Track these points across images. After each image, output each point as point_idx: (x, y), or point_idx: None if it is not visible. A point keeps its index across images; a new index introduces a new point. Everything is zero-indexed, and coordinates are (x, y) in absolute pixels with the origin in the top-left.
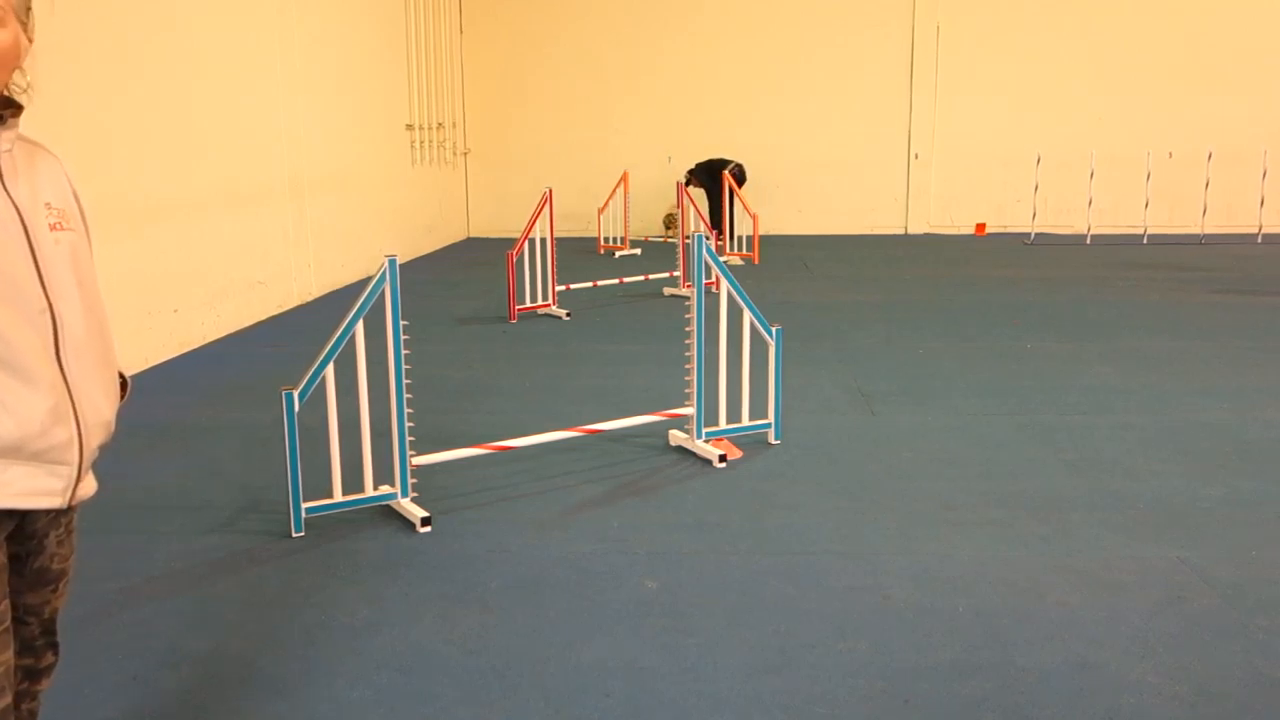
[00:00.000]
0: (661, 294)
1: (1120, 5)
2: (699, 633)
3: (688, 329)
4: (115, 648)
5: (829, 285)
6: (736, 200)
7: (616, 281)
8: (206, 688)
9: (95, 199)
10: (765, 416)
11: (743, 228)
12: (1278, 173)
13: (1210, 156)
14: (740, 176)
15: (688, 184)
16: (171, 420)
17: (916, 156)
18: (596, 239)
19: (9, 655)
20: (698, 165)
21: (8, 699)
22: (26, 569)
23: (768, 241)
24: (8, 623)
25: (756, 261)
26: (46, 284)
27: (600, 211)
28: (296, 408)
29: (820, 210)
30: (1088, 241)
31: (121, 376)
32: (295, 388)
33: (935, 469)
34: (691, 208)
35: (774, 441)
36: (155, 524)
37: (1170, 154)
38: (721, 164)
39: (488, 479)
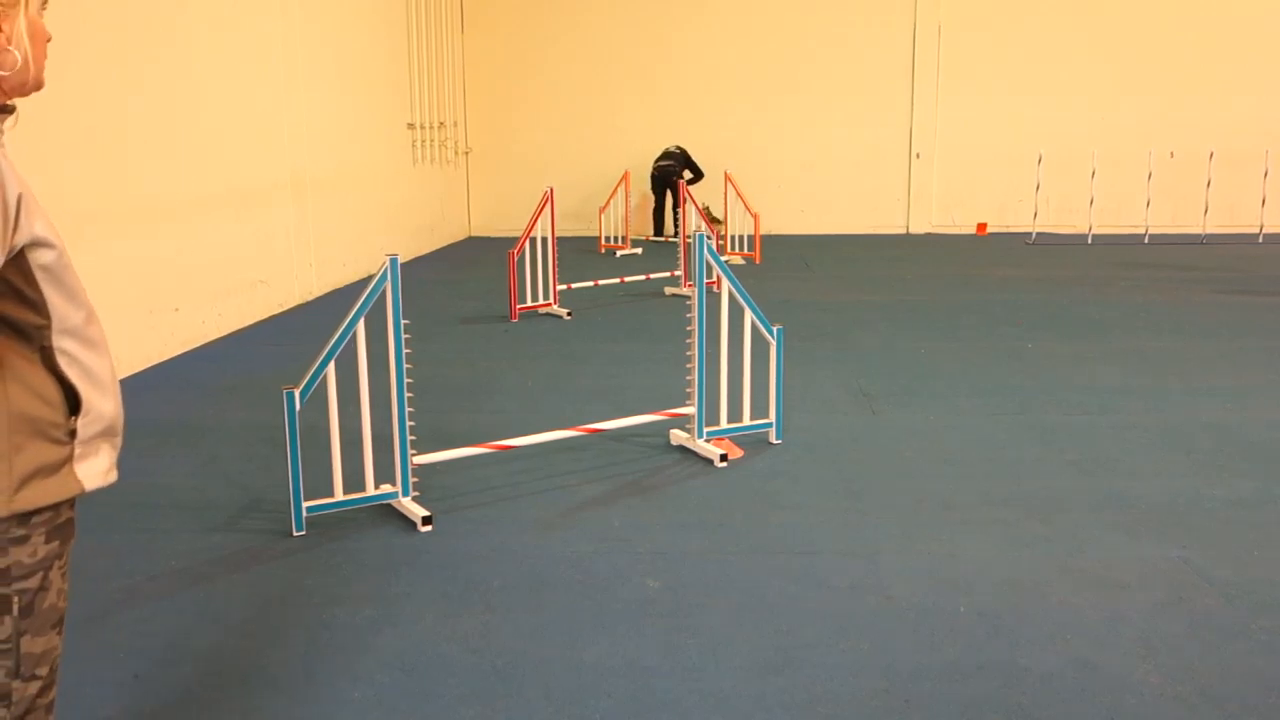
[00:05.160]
0: (663, 293)
1: (1122, 5)
2: (701, 632)
3: (689, 328)
4: (117, 646)
5: (830, 285)
6: (738, 199)
7: (618, 281)
8: (208, 686)
9: (97, 198)
10: (766, 416)
11: (744, 227)
12: (1279, 173)
13: (1212, 156)
14: (664, 179)
15: (663, 181)
16: (173, 419)
17: (918, 156)
18: (598, 238)
19: (60, 645)
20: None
21: (54, 693)
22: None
23: (769, 241)
24: (64, 611)
25: (758, 261)
26: None
27: (601, 211)
28: (298, 407)
29: (822, 210)
30: (1089, 241)
31: None
32: (296, 387)
33: (937, 469)
34: (693, 207)
35: (775, 441)
36: (156, 523)
37: (1172, 154)
38: (665, 159)
39: (489, 478)
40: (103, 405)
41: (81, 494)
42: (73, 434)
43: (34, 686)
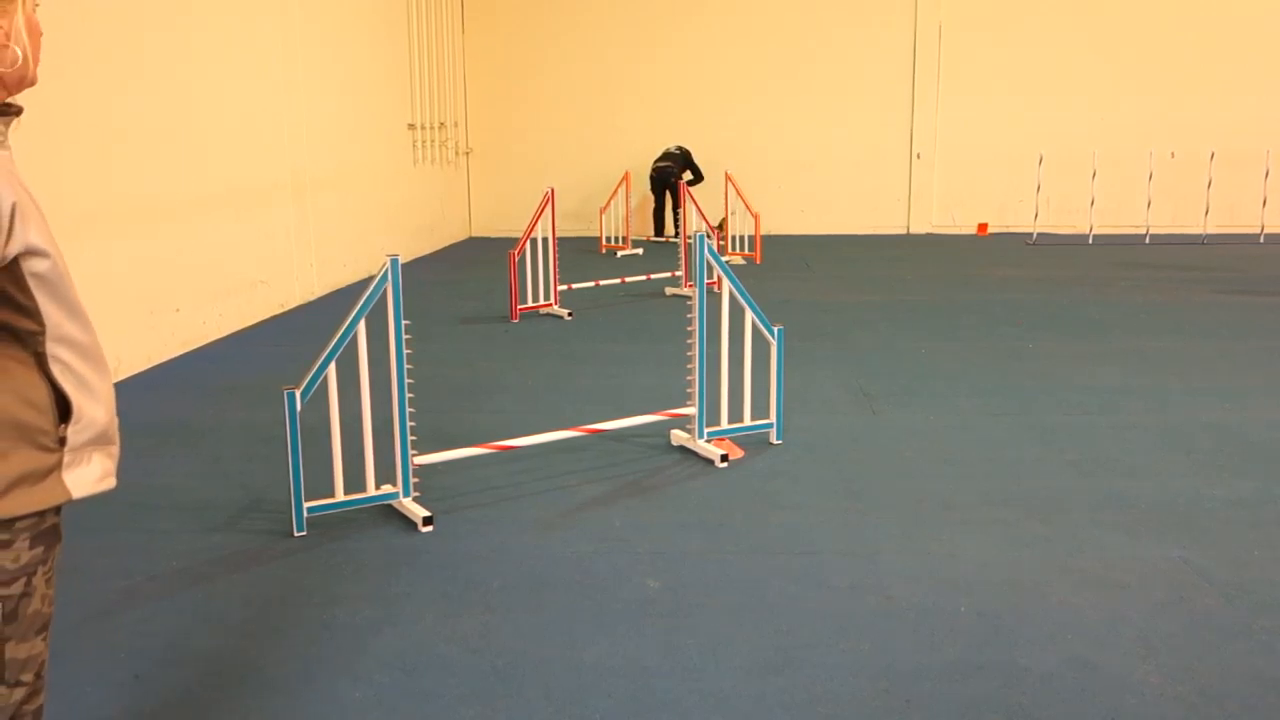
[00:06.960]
0: (663, 294)
1: (1122, 5)
2: (701, 632)
3: (689, 328)
4: (117, 647)
5: (831, 285)
6: (738, 199)
7: (618, 281)
8: (208, 686)
9: (97, 198)
10: (767, 416)
11: (744, 227)
12: (1279, 173)
13: (1213, 156)
14: (662, 179)
15: (664, 182)
16: (173, 419)
17: (918, 156)
18: (598, 239)
19: (46, 651)
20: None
21: (42, 699)
22: None
23: (769, 241)
24: (50, 617)
25: (758, 261)
26: None
27: (602, 211)
28: (298, 407)
29: (822, 210)
30: (1090, 241)
31: None
32: (297, 387)
33: (937, 469)
34: (693, 207)
35: (775, 441)
36: (157, 523)
37: (1173, 154)
38: (664, 160)
39: (489, 478)
40: (94, 412)
41: (68, 502)
42: (62, 441)
43: (19, 693)
